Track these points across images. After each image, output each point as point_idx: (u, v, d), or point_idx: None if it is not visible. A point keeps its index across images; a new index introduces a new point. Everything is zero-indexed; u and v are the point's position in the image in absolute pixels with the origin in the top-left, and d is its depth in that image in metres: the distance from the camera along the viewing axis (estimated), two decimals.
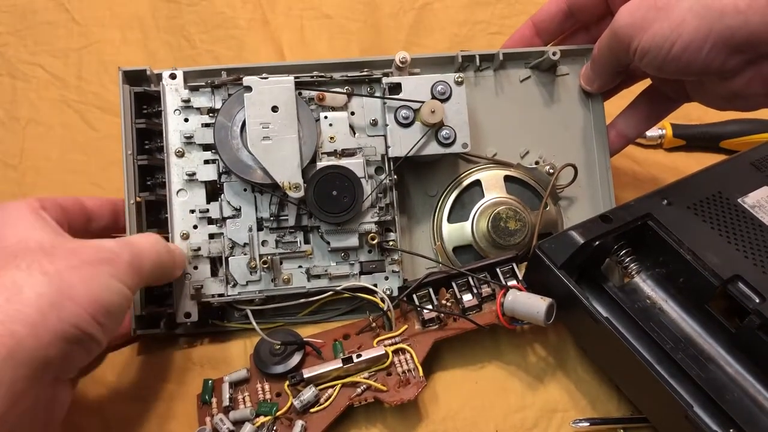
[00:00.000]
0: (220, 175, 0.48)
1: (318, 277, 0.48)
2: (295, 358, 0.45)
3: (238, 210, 0.48)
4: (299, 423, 0.43)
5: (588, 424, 0.46)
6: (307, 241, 0.49)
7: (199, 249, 0.47)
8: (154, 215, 0.49)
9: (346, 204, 0.47)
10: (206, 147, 0.48)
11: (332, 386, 0.44)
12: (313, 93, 0.48)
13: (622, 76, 0.52)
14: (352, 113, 0.49)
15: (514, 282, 0.48)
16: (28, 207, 0.39)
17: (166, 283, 0.46)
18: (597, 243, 0.45)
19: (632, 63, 0.47)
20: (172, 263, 0.44)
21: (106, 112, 0.59)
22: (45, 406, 0.35)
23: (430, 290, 0.47)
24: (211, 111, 0.48)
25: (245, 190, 0.48)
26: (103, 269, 0.36)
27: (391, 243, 0.49)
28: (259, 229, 0.48)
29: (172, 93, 0.48)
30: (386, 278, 0.49)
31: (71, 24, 0.62)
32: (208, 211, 0.47)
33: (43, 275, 0.34)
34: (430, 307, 0.47)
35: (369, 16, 0.66)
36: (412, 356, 0.45)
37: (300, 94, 0.48)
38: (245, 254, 0.48)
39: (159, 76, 0.48)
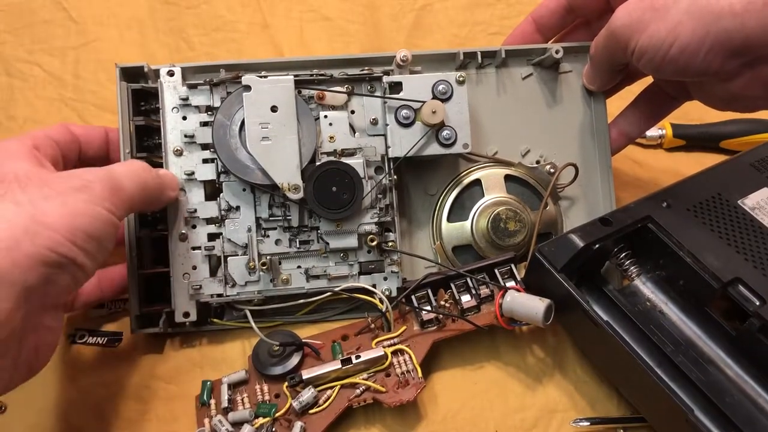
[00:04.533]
0: (219, 174, 0.47)
1: (317, 277, 0.48)
2: (294, 360, 0.45)
3: (237, 209, 0.47)
4: (298, 424, 0.43)
5: (588, 423, 0.46)
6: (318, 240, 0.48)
7: (198, 249, 0.47)
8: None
9: (345, 201, 0.47)
10: (205, 146, 0.47)
11: (331, 387, 0.44)
12: (313, 91, 0.48)
13: (622, 75, 0.51)
14: (352, 112, 0.49)
15: (512, 283, 0.48)
16: (19, 144, 0.39)
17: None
18: (597, 246, 0.45)
19: (630, 63, 0.46)
20: (159, 185, 0.44)
21: (103, 110, 0.58)
22: (33, 331, 0.36)
23: (429, 291, 0.47)
24: (210, 109, 0.47)
25: (244, 190, 0.47)
26: (78, 197, 0.36)
27: (390, 244, 0.49)
28: (260, 228, 0.47)
29: (170, 90, 0.47)
30: (385, 279, 0.49)
31: (69, 22, 0.61)
32: (206, 210, 0.47)
33: (15, 205, 0.34)
34: (428, 308, 0.47)
35: (368, 17, 0.65)
36: (411, 357, 0.45)
37: (299, 92, 0.47)
38: (245, 255, 0.47)
39: (157, 72, 0.48)
